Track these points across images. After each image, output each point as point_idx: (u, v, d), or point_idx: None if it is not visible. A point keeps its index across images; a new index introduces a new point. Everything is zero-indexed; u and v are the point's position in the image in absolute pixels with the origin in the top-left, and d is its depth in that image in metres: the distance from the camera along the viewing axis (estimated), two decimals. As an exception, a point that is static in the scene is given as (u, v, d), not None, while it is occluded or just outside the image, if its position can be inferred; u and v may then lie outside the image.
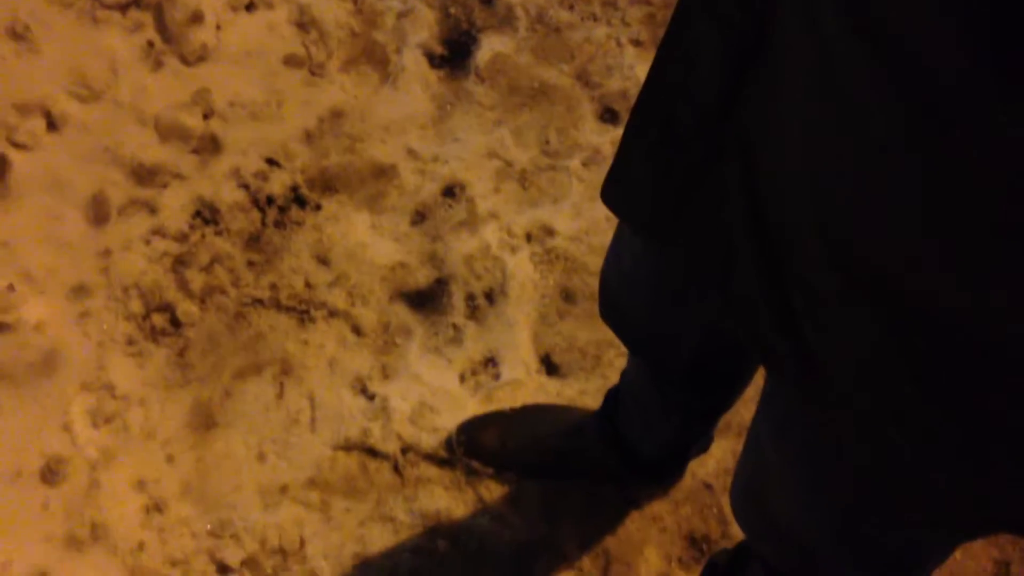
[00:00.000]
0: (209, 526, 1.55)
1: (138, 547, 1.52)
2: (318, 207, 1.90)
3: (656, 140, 0.75)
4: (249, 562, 1.52)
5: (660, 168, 0.75)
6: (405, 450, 1.63)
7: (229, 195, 1.89)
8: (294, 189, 1.92)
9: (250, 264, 1.82)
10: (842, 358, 0.60)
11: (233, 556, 1.52)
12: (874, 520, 0.75)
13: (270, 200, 1.90)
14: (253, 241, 1.85)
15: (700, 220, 0.72)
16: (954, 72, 0.42)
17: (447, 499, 1.59)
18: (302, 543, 1.54)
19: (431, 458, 1.62)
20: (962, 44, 0.40)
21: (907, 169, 0.48)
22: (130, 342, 1.71)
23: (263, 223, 1.87)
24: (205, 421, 1.66)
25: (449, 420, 1.66)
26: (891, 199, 0.50)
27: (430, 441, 1.63)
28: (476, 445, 1.60)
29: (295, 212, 1.89)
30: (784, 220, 0.60)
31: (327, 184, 1.93)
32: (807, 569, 0.96)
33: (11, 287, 1.71)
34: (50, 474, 1.57)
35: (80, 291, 1.75)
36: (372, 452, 1.63)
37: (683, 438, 1.43)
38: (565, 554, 1.55)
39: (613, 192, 0.85)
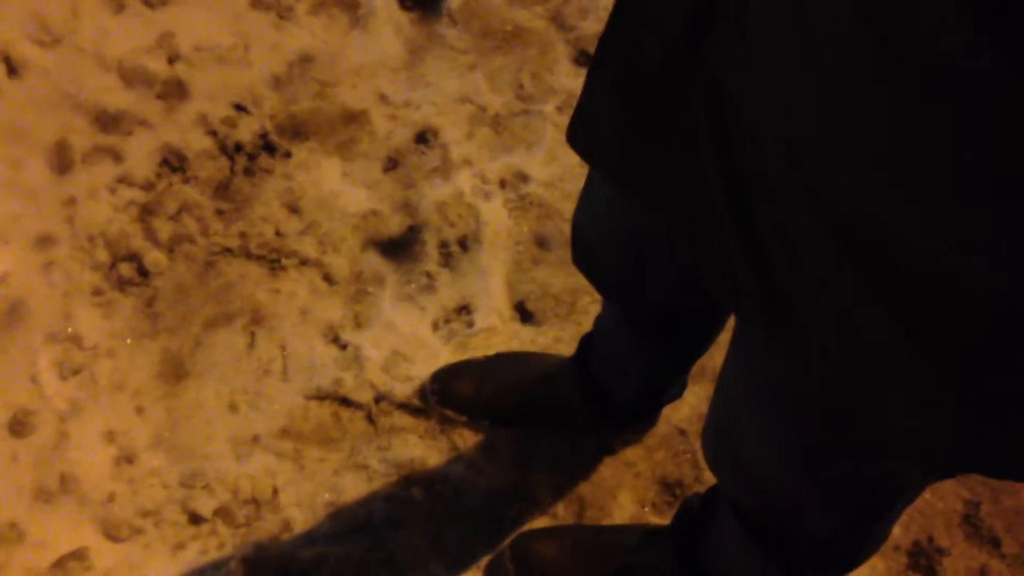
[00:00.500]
0: (180, 477, 1.54)
1: (108, 498, 1.51)
2: (288, 154, 1.86)
3: (621, 76, 0.72)
4: (222, 512, 1.51)
5: (626, 107, 0.73)
6: (378, 399, 1.62)
7: (196, 142, 1.85)
8: (263, 136, 1.88)
9: (219, 213, 1.79)
10: (814, 302, 0.59)
11: (205, 506, 1.51)
12: (839, 458, 0.75)
13: (238, 147, 1.86)
14: (222, 189, 1.81)
15: (668, 163, 0.70)
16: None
17: (421, 447, 1.58)
18: (275, 492, 1.53)
19: (405, 407, 1.61)
20: None
21: (873, 101, 0.46)
22: (97, 292, 1.68)
23: (232, 171, 1.84)
24: (175, 372, 1.64)
25: (423, 369, 1.64)
26: (859, 134, 0.48)
27: (403, 390, 1.62)
28: (450, 393, 1.59)
29: (264, 159, 1.85)
30: (755, 161, 0.59)
31: (297, 130, 1.90)
32: (775, 511, 0.96)
33: (-28, 256, 1.68)
34: (18, 426, 1.55)
35: (44, 241, 1.71)
36: (345, 401, 1.62)
37: (657, 383, 1.43)
38: (539, 500, 1.55)
39: (579, 134, 0.83)
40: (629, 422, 1.56)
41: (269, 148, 1.87)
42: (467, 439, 1.59)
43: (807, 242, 0.56)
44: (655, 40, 0.67)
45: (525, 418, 1.59)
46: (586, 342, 1.47)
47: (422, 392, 1.62)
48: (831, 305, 0.58)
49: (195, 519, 1.50)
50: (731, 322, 1.23)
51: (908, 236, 0.49)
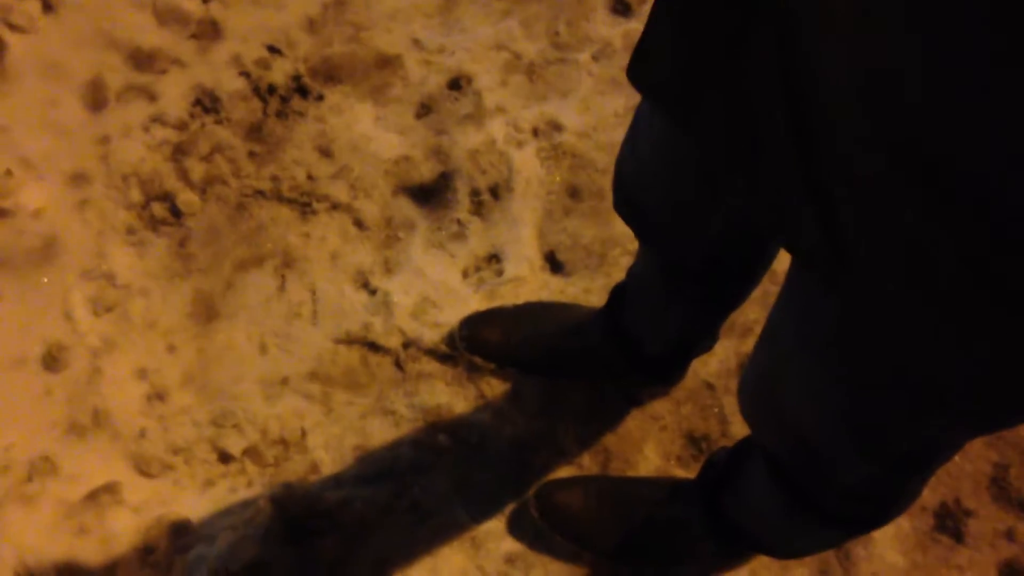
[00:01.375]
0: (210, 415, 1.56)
1: (140, 434, 1.53)
2: (320, 97, 1.86)
3: (684, 6, 0.71)
4: (251, 451, 1.53)
5: (689, 39, 0.72)
6: (407, 345, 1.62)
7: (230, 83, 1.84)
8: (296, 78, 1.87)
9: (251, 155, 1.79)
10: (878, 244, 0.58)
11: (235, 445, 1.53)
12: (884, 411, 0.74)
13: (272, 89, 1.85)
14: (254, 131, 1.81)
15: (731, 96, 0.69)
16: None
17: (448, 394, 1.58)
18: (303, 434, 1.55)
19: (432, 353, 1.62)
20: None
21: (957, 28, 0.44)
22: (130, 231, 1.69)
23: (264, 113, 1.83)
24: (206, 312, 1.65)
25: (451, 316, 1.64)
26: (942, 63, 0.46)
27: (432, 336, 1.63)
28: (478, 341, 1.59)
29: (297, 102, 1.85)
30: (822, 93, 0.57)
31: (330, 74, 1.88)
32: (811, 464, 0.95)
33: (9, 172, 1.68)
34: (52, 361, 1.57)
35: (79, 178, 1.72)
36: (373, 346, 1.63)
37: (689, 335, 1.42)
38: (565, 450, 1.55)
39: (640, 69, 0.82)
40: (658, 375, 1.56)
41: (302, 91, 1.86)
42: (494, 387, 1.59)
43: (871, 177, 0.55)
44: None
45: (553, 367, 1.59)
46: (618, 292, 1.46)
47: (450, 339, 1.62)
48: (895, 243, 0.57)
49: (224, 458, 1.52)
50: (765, 281, 1.22)
51: (974, 165, 0.47)
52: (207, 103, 1.82)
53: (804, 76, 0.58)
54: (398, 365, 1.61)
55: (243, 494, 1.49)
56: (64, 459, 1.51)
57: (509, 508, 1.51)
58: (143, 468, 1.51)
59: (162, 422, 1.55)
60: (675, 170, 0.97)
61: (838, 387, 0.78)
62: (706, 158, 0.80)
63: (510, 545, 1.48)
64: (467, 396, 1.59)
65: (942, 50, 0.46)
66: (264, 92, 1.84)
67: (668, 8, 0.74)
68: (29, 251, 1.65)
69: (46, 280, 1.63)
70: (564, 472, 1.54)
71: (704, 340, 1.46)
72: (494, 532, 1.49)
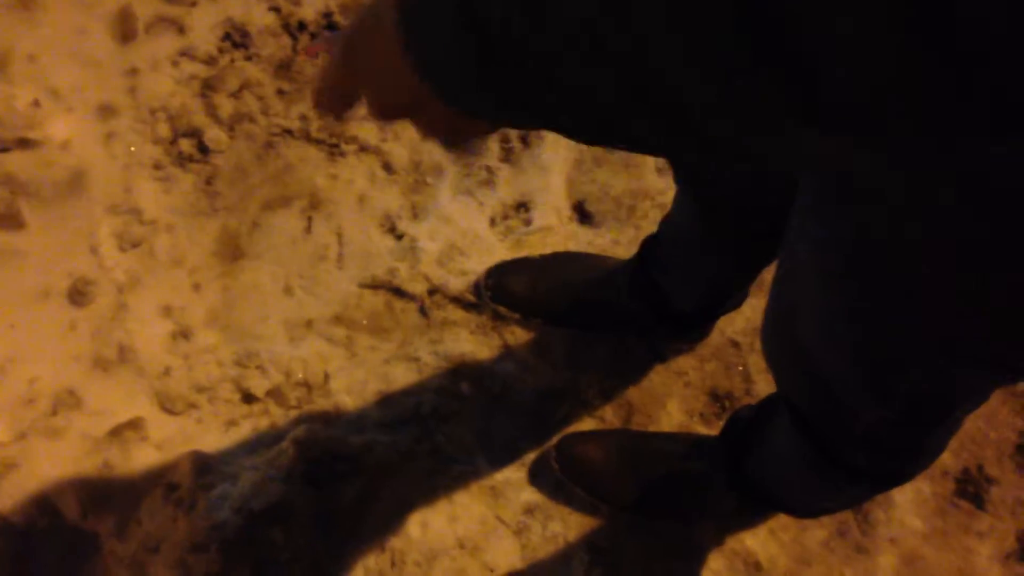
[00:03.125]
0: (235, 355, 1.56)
1: (164, 372, 1.54)
2: (351, 36, 1.82)
3: None
4: (274, 393, 1.53)
5: None
6: (432, 291, 1.62)
7: (260, 18, 1.81)
8: (327, 16, 1.84)
9: (280, 93, 1.76)
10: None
11: (258, 386, 1.53)
12: (903, 349, 0.72)
13: (302, 26, 1.82)
14: (283, 69, 1.79)
15: None
16: None
17: (472, 343, 1.58)
18: (326, 377, 1.55)
19: (458, 301, 1.61)
20: None
21: None
22: (157, 166, 1.68)
23: (294, 50, 1.80)
24: (232, 251, 1.64)
25: (478, 264, 1.63)
26: None
27: (457, 284, 1.62)
28: (504, 290, 1.58)
29: (327, 40, 1.81)
30: None
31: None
32: (832, 411, 0.94)
33: (36, 103, 1.67)
34: (77, 295, 1.57)
35: (106, 110, 1.71)
36: (398, 292, 1.62)
37: (719, 291, 1.41)
38: (587, 402, 1.55)
39: None
40: (684, 330, 1.55)
41: (332, 28, 1.83)
42: (518, 337, 1.59)
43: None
44: None
45: (579, 319, 1.58)
46: (649, 244, 1.44)
47: (476, 287, 1.61)
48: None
49: (248, 398, 1.53)
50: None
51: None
52: (236, 38, 1.79)
53: None
54: (423, 312, 1.61)
55: (266, 435, 1.50)
56: (89, 394, 1.52)
57: (530, 459, 1.52)
58: (167, 405, 1.51)
59: (186, 360, 1.55)
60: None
61: (853, 320, 0.76)
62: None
63: (529, 495, 1.49)
64: (491, 345, 1.58)
65: None
66: (294, 28, 1.82)
67: None
68: (56, 183, 1.64)
69: (73, 213, 1.63)
70: (586, 425, 1.54)
71: (733, 297, 1.44)
72: (514, 482, 1.49)
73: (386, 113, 0.61)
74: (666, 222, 1.38)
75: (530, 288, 1.58)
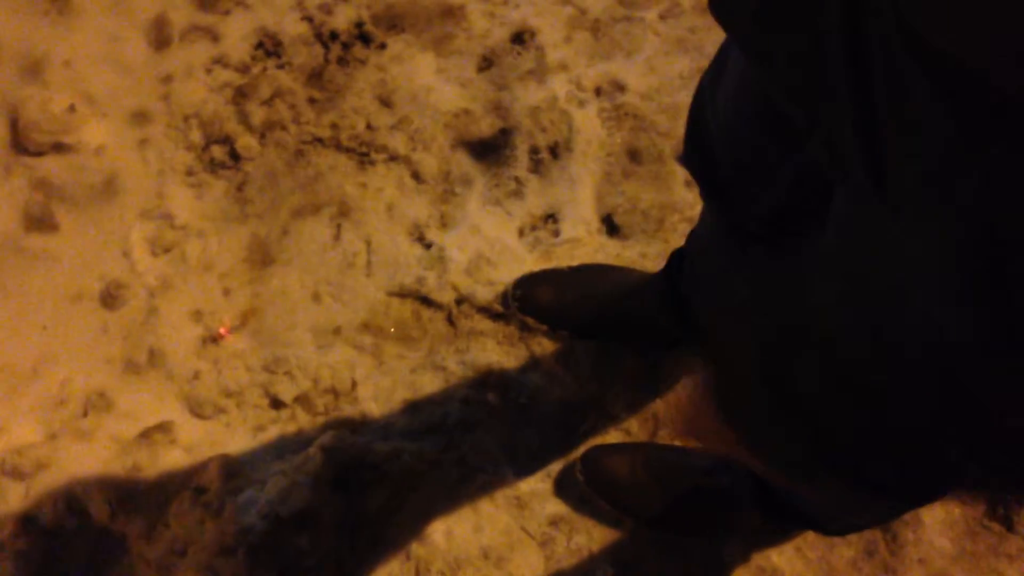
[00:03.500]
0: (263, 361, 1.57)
1: (194, 376, 1.55)
2: (383, 46, 1.84)
3: None
4: (301, 399, 1.54)
5: None
6: (459, 301, 1.62)
7: (292, 27, 1.83)
8: (359, 25, 1.85)
9: (311, 101, 1.78)
10: (928, 191, 0.55)
11: (286, 392, 1.54)
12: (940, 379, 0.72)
13: (334, 35, 1.84)
14: (315, 77, 1.80)
15: (800, 24, 0.67)
16: None
17: (499, 353, 1.58)
18: (354, 385, 1.55)
19: (485, 311, 1.61)
20: None
21: None
22: (189, 173, 1.70)
23: (326, 59, 1.82)
24: (262, 257, 1.65)
25: (505, 274, 1.64)
26: None
27: (485, 294, 1.62)
28: (532, 301, 1.59)
29: (359, 50, 1.83)
30: (879, 23, 0.55)
31: (393, 22, 1.86)
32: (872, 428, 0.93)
33: (72, 108, 1.69)
34: (110, 298, 1.59)
35: (141, 117, 1.72)
36: (426, 301, 1.63)
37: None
38: (614, 415, 1.55)
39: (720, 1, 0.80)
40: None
41: (364, 38, 1.84)
42: (545, 348, 1.59)
43: (917, 111, 0.53)
44: None
45: (606, 331, 1.58)
46: (677, 257, 1.44)
47: (504, 298, 1.61)
48: (948, 199, 0.54)
49: (276, 404, 1.54)
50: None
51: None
52: (269, 46, 1.81)
53: (864, 7, 0.57)
54: (450, 321, 1.61)
55: (293, 441, 1.51)
56: (119, 396, 1.53)
57: (555, 470, 1.51)
58: (196, 409, 1.53)
59: (216, 365, 1.56)
60: (750, 115, 0.95)
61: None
62: (777, 93, 0.79)
63: (554, 507, 1.49)
64: (518, 356, 1.59)
65: None
66: (326, 38, 1.83)
67: None
68: (90, 188, 1.66)
69: (106, 217, 1.64)
70: (612, 437, 1.53)
71: None
72: (539, 493, 1.49)
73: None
74: (693, 238, 1.38)
75: (558, 299, 1.58)
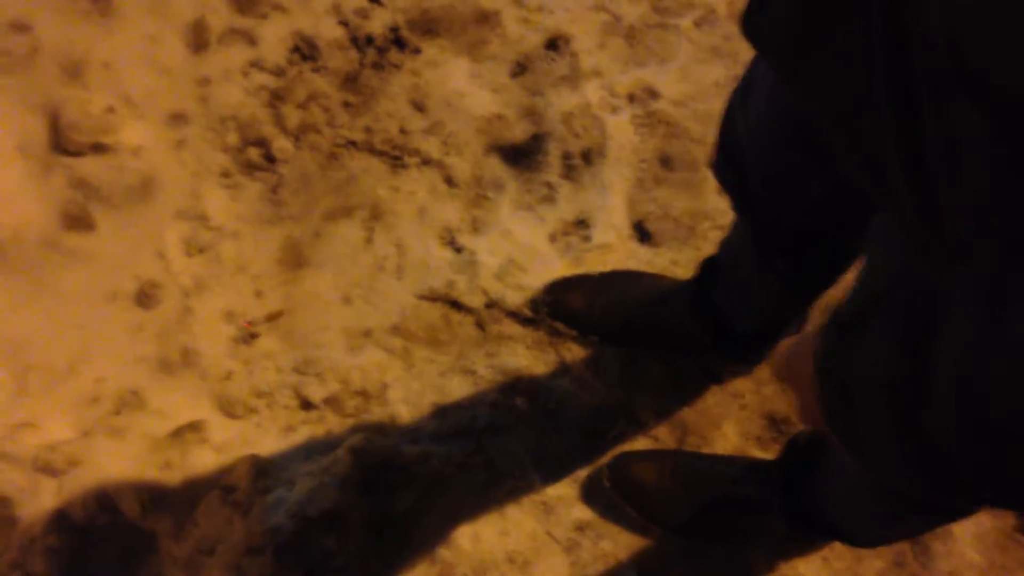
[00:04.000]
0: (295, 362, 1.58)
1: (226, 376, 1.56)
2: (417, 51, 1.85)
3: None
4: (331, 401, 1.55)
5: None
6: (489, 305, 1.62)
7: (328, 31, 1.84)
8: (394, 30, 1.86)
9: (346, 105, 1.79)
10: (975, 211, 0.55)
11: (316, 393, 1.55)
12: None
13: (369, 40, 1.85)
14: (350, 81, 1.81)
15: (836, 54, 0.66)
16: None
17: (528, 358, 1.59)
18: (384, 387, 1.56)
19: (515, 316, 1.62)
20: None
21: None
22: (225, 174, 1.72)
23: (361, 63, 1.83)
24: (295, 259, 1.67)
25: (536, 279, 1.64)
26: None
27: (515, 299, 1.62)
28: (562, 306, 1.59)
29: (394, 54, 1.84)
30: (928, 57, 0.54)
31: (428, 27, 1.87)
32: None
33: (111, 109, 1.71)
34: (144, 298, 1.61)
35: (178, 118, 1.74)
36: (456, 305, 1.63)
37: (778, 315, 1.39)
38: (642, 422, 1.55)
39: (752, 20, 0.80)
40: (742, 353, 1.54)
41: (399, 43, 1.86)
42: (575, 353, 1.59)
43: (970, 146, 0.52)
44: None
45: (636, 337, 1.57)
46: (708, 265, 1.44)
47: (534, 303, 1.61)
48: (995, 230, 0.53)
49: (306, 405, 1.55)
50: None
51: None
52: (305, 50, 1.82)
53: (912, 38, 0.56)
54: (480, 325, 1.62)
55: (322, 442, 1.52)
56: (152, 395, 1.55)
57: (582, 476, 1.51)
58: (227, 409, 1.54)
59: (247, 365, 1.57)
60: (781, 130, 0.94)
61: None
62: (810, 115, 0.78)
63: (581, 513, 1.48)
64: (547, 361, 1.59)
65: None
66: (362, 42, 1.84)
67: None
68: (127, 188, 1.68)
69: (142, 217, 1.66)
70: (640, 444, 1.53)
71: (793, 320, 1.43)
72: (566, 498, 1.49)
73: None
74: (725, 246, 1.38)
75: (588, 305, 1.58)
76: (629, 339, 1.58)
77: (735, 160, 1.07)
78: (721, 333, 1.46)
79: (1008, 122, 0.47)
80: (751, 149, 1.03)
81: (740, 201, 1.14)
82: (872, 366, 0.53)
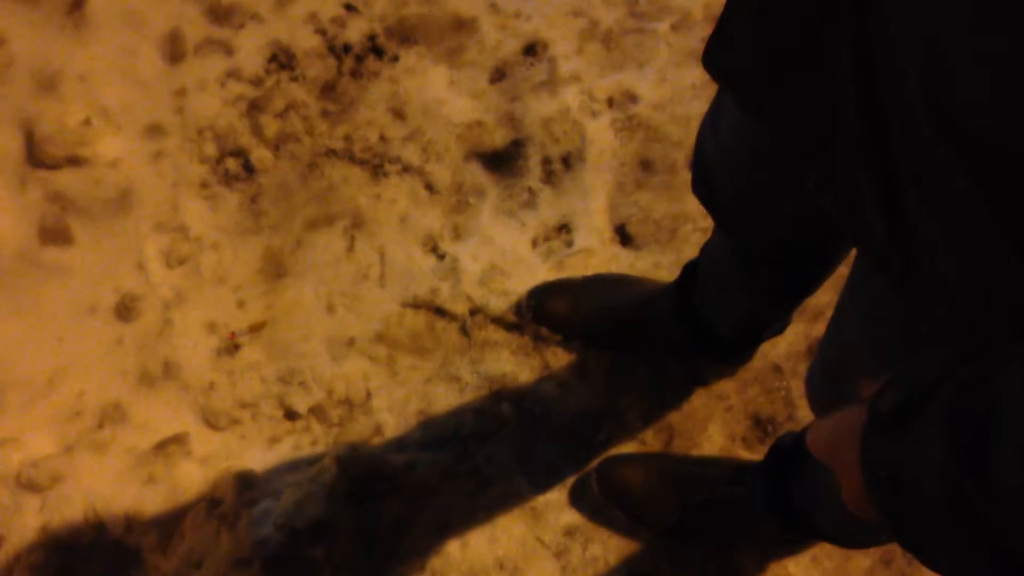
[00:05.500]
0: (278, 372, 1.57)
1: (209, 387, 1.55)
2: (395, 58, 1.85)
3: None
4: (316, 410, 1.54)
5: (765, 29, 0.70)
6: (473, 311, 1.62)
7: (305, 40, 1.84)
8: (372, 38, 1.86)
9: (325, 113, 1.78)
10: (949, 245, 0.55)
11: (301, 403, 1.54)
12: None
13: (347, 48, 1.84)
14: (328, 90, 1.81)
15: (803, 91, 0.67)
16: None
17: (513, 363, 1.58)
18: (368, 396, 1.55)
19: (499, 321, 1.61)
20: None
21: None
22: (204, 185, 1.70)
23: (339, 71, 1.83)
24: (276, 269, 1.66)
25: (519, 284, 1.64)
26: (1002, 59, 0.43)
27: (499, 304, 1.62)
28: (545, 311, 1.59)
29: (372, 62, 1.84)
30: (898, 92, 0.54)
31: (405, 35, 1.87)
32: None
33: (88, 121, 1.70)
34: (124, 310, 1.59)
35: (155, 130, 1.73)
36: (440, 311, 1.63)
37: (760, 318, 1.40)
38: (628, 425, 1.55)
39: (715, 56, 0.80)
40: (726, 355, 1.55)
41: (377, 51, 1.85)
42: (559, 358, 1.59)
43: (947, 187, 0.52)
44: None
45: (619, 341, 1.58)
46: (690, 269, 1.44)
47: (518, 308, 1.61)
48: (966, 255, 0.54)
49: (290, 415, 1.54)
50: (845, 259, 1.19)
51: None
52: (283, 59, 1.82)
53: (875, 66, 0.56)
54: (464, 332, 1.61)
55: (308, 452, 1.51)
56: (134, 408, 1.53)
57: (570, 480, 1.51)
58: (211, 421, 1.53)
59: (230, 376, 1.56)
60: (753, 156, 0.95)
61: None
62: (779, 149, 0.78)
63: (570, 517, 1.48)
64: (532, 366, 1.58)
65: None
66: (339, 51, 1.84)
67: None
68: (105, 201, 1.66)
69: (121, 230, 1.65)
70: (627, 448, 1.53)
71: (775, 323, 1.44)
72: (554, 503, 1.49)
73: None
74: (706, 252, 1.38)
75: (571, 309, 1.58)
76: (613, 343, 1.59)
77: (708, 178, 1.08)
78: (704, 336, 1.46)
79: (989, 169, 0.47)
80: (721, 169, 1.03)
81: (717, 218, 1.14)
82: (925, 467, 0.49)
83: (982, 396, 0.45)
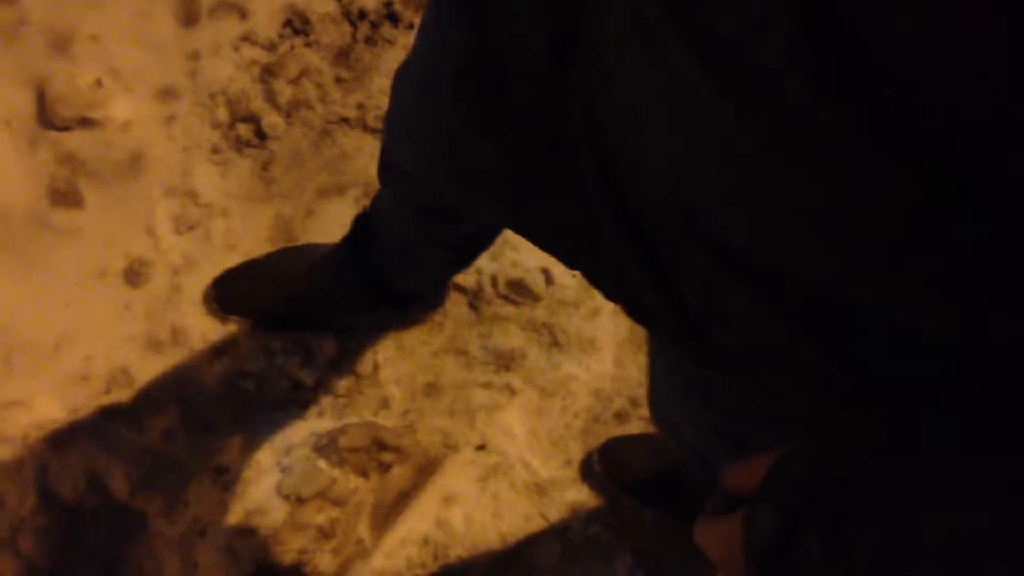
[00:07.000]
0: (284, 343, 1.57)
1: (216, 355, 1.55)
2: (411, 26, 1.82)
3: (485, 111, 0.65)
4: (323, 381, 1.54)
5: (495, 145, 0.66)
6: (482, 285, 1.61)
7: (321, 5, 1.81)
8: (387, 5, 1.83)
9: (338, 80, 1.77)
10: (729, 334, 0.52)
11: (308, 374, 1.54)
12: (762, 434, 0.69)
13: (362, 14, 1.82)
14: (343, 56, 1.79)
15: (555, 197, 0.63)
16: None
17: (522, 338, 1.58)
18: (376, 368, 1.55)
19: (508, 296, 1.60)
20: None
21: (725, 133, 0.40)
22: (215, 150, 1.69)
23: (354, 38, 1.80)
24: (286, 237, 1.65)
25: (529, 257, 1.62)
26: (719, 170, 0.42)
27: (510, 277, 1.61)
28: (228, 299, 1.55)
29: (387, 29, 1.81)
30: (642, 198, 0.52)
31: (421, 2, 1.85)
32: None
33: (99, 83, 1.68)
34: (133, 275, 1.59)
35: (167, 93, 1.72)
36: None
37: (448, 271, 1.38)
38: (637, 402, 1.54)
39: (388, 172, 0.78)
40: (411, 306, 1.53)
41: (393, 18, 1.83)
42: (570, 335, 1.58)
43: (711, 281, 0.50)
44: (520, 69, 0.60)
45: (296, 317, 1.53)
46: (361, 225, 1.35)
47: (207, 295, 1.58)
48: (746, 338, 0.51)
49: (297, 386, 1.53)
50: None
51: (804, 277, 0.42)
52: (297, 24, 1.79)
53: (623, 181, 0.53)
54: (473, 306, 1.61)
55: (314, 423, 1.51)
56: (141, 373, 1.53)
57: (577, 458, 1.51)
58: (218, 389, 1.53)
59: (237, 345, 1.56)
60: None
61: (715, 429, 0.75)
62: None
63: (575, 495, 1.48)
64: (541, 342, 1.58)
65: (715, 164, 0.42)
66: (355, 17, 1.81)
67: (467, 109, 0.67)
68: (116, 164, 1.65)
69: (131, 194, 1.64)
70: (635, 427, 1.53)
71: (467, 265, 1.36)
72: (559, 480, 1.49)
73: None
74: (381, 214, 1.30)
75: (250, 292, 1.55)
76: (292, 320, 1.54)
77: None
78: (384, 292, 1.42)
79: (743, 270, 0.45)
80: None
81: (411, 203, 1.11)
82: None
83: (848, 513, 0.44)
